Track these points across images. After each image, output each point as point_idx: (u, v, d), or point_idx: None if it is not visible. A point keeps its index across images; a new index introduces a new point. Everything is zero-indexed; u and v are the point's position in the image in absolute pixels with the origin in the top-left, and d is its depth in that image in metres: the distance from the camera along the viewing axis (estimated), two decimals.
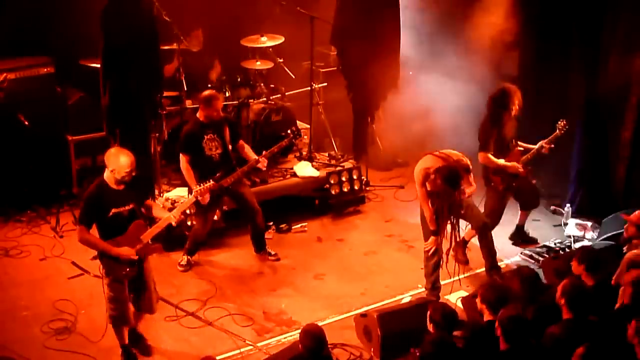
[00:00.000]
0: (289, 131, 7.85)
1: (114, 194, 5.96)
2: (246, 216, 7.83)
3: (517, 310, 5.39)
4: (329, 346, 5.97)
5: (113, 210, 5.94)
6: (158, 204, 6.42)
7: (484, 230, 7.09)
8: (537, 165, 9.59)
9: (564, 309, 5.42)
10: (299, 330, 6.53)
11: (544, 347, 5.33)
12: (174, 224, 6.36)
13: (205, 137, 7.50)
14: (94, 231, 6.07)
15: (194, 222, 7.99)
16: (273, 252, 8.00)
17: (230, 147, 7.64)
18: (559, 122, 7.76)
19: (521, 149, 7.78)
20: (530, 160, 7.79)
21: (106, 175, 5.97)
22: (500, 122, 7.51)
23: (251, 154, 7.73)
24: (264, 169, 7.80)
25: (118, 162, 5.89)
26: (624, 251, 6.36)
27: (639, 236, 6.44)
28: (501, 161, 7.56)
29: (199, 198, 7.22)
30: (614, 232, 7.48)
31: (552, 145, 7.75)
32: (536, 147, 7.75)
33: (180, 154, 7.55)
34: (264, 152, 7.67)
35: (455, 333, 5.67)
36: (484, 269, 7.45)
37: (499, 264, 7.46)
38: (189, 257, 7.85)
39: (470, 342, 5.58)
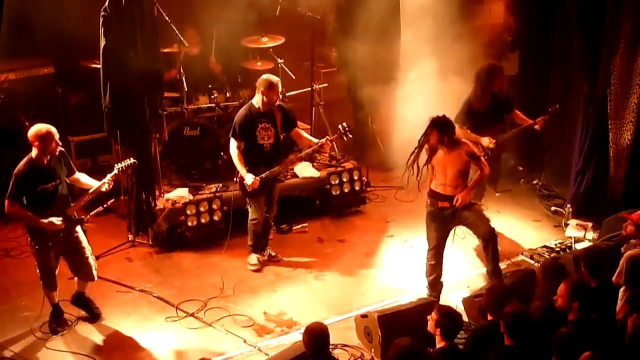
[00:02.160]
0: (340, 127, 7.72)
1: (41, 171, 6.32)
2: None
3: (520, 306, 5.41)
4: (330, 346, 5.96)
5: (40, 186, 6.30)
6: (84, 175, 6.75)
7: (489, 238, 7.06)
8: (538, 164, 9.69)
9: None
10: (300, 331, 6.57)
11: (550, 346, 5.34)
12: (104, 189, 6.61)
13: (260, 125, 7.47)
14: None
15: (250, 213, 7.79)
16: (274, 253, 8.00)
17: (281, 136, 7.62)
18: (551, 107, 8.17)
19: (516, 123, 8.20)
20: (508, 139, 8.14)
21: (33, 153, 6.28)
22: (484, 99, 7.94)
23: (311, 139, 7.77)
24: (328, 150, 8.10)
25: (44, 139, 6.23)
26: (622, 251, 6.36)
27: (638, 236, 6.44)
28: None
29: (249, 185, 7.35)
30: (615, 233, 7.47)
31: (541, 125, 8.13)
32: (530, 122, 8.11)
33: (232, 139, 7.52)
34: (327, 137, 7.68)
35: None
36: (485, 269, 7.43)
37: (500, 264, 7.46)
38: (257, 254, 7.84)
39: (473, 344, 5.58)
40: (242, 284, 7.60)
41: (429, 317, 5.57)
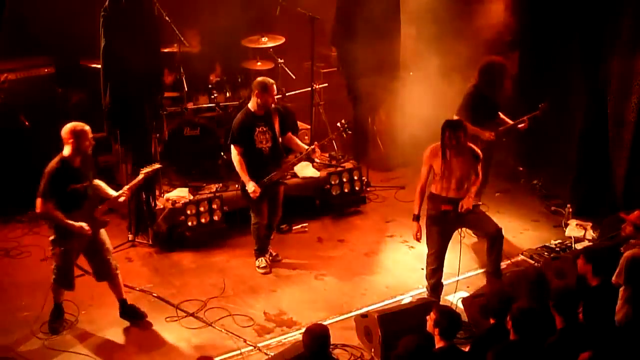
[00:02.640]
0: (338, 124, 7.71)
1: (73, 171, 6.26)
2: (268, 212, 7.74)
3: (530, 304, 5.45)
4: (330, 346, 5.96)
5: (71, 186, 6.23)
6: (103, 184, 6.73)
7: (496, 238, 7.07)
8: (538, 165, 9.69)
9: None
10: (300, 331, 6.57)
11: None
12: (120, 200, 6.67)
13: (257, 129, 7.41)
14: None
15: (252, 218, 7.74)
16: (274, 253, 8.00)
17: (280, 139, 7.58)
18: (541, 104, 8.24)
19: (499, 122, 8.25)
20: (504, 132, 8.22)
21: (65, 151, 6.22)
22: (486, 94, 8.01)
23: (302, 145, 7.74)
24: (318, 158, 7.95)
25: (78, 135, 6.18)
26: (622, 251, 6.36)
27: (637, 236, 6.44)
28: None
29: (250, 193, 7.30)
30: (614, 233, 7.47)
31: (526, 124, 8.27)
32: (514, 122, 8.22)
33: (232, 146, 7.48)
34: (315, 143, 7.60)
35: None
36: (484, 269, 7.43)
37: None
38: (263, 257, 7.81)
39: (477, 345, 5.59)
40: (242, 284, 7.60)
41: (427, 317, 5.58)
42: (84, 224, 6.30)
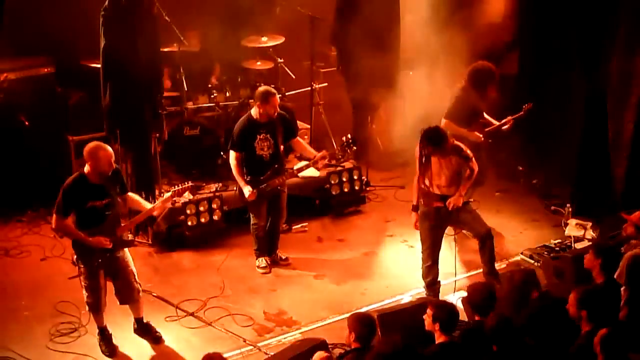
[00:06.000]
0: (343, 139, 7.73)
1: (91, 188, 6.10)
2: (271, 214, 7.73)
3: (502, 314, 5.43)
4: (330, 346, 5.98)
5: (89, 203, 6.09)
6: (137, 197, 6.59)
7: (486, 238, 7.08)
8: (538, 164, 9.69)
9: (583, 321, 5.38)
10: (300, 330, 6.59)
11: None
12: (155, 214, 6.60)
13: (258, 136, 7.38)
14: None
15: (251, 219, 7.75)
16: (284, 256, 7.96)
17: (282, 147, 7.55)
18: (525, 105, 8.11)
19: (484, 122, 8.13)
20: (491, 133, 8.08)
21: (86, 168, 6.10)
22: (474, 97, 7.86)
23: (310, 150, 7.74)
24: (324, 164, 7.91)
25: (96, 157, 6.03)
26: (622, 251, 6.36)
27: (637, 236, 6.44)
28: (463, 130, 7.79)
29: (246, 197, 7.30)
30: (614, 233, 7.47)
31: (511, 125, 8.13)
32: (499, 123, 8.09)
33: (231, 151, 7.48)
34: (324, 151, 7.61)
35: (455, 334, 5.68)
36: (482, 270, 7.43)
37: (499, 265, 7.45)
38: (263, 257, 7.80)
39: (463, 340, 5.59)
40: (242, 283, 7.60)
41: (424, 315, 5.57)
42: (102, 239, 6.12)
